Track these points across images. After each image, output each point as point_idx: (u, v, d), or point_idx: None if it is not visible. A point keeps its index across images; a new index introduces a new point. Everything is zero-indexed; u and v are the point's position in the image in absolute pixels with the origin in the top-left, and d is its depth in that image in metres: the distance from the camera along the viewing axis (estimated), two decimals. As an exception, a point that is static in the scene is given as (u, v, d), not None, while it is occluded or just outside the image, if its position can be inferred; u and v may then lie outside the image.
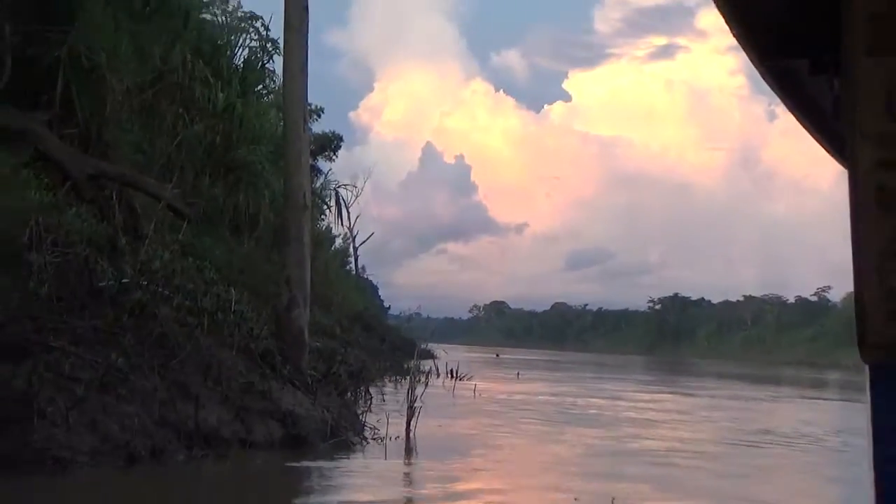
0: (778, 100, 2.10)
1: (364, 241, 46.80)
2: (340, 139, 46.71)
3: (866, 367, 1.21)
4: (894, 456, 1.23)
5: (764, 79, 2.02)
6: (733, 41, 1.82)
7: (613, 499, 14.25)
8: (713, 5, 1.67)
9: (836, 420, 32.51)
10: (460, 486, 15.75)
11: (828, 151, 2.30)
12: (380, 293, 59.57)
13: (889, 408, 1.21)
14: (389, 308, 60.01)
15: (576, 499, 14.39)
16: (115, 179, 19.81)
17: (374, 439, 19.24)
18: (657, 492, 15.50)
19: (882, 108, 1.15)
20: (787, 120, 2.45)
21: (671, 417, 32.08)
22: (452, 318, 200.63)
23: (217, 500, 13.11)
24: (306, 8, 21.40)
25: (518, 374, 50.50)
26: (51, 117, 19.85)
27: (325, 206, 38.99)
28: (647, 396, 41.74)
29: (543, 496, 15.76)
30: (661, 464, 19.73)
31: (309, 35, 21.84)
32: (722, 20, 1.71)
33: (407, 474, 16.47)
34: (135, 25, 23.73)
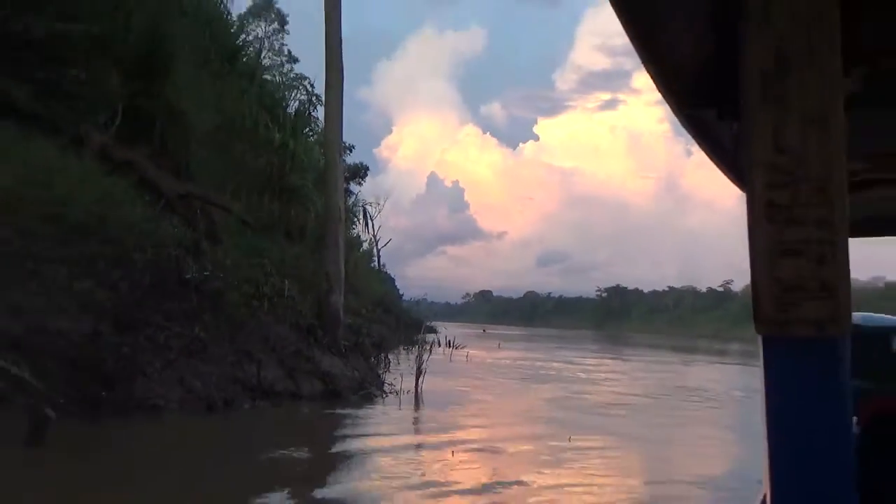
0: (692, 140, 2.07)
1: (384, 245, 46.85)
2: (367, 169, 46.82)
3: (759, 339, 1.18)
4: (782, 409, 1.19)
5: (682, 124, 1.98)
6: (659, 96, 1.78)
7: (570, 437, 14.82)
8: (644, 70, 1.65)
9: (734, 379, 32.03)
10: (456, 429, 15.95)
11: (730, 179, 2.31)
12: (396, 283, 59.47)
13: (776, 370, 1.18)
14: (403, 295, 59.71)
15: (570, 438, 14.68)
16: (198, 198, 19.86)
17: (391, 393, 19.46)
18: (600, 434, 15.66)
19: (770, 144, 1.12)
20: (699, 155, 2.25)
21: (610, 377, 32.06)
22: (449, 303, 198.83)
23: (274, 438, 13.39)
24: (341, 71, 21.52)
25: (499, 344, 50.12)
26: (151, 151, 19.98)
27: (356, 219, 39.10)
28: (593, 361, 41.64)
29: (516, 434, 15.82)
30: (602, 413, 19.90)
31: (343, 91, 22.10)
32: (650, 80, 1.70)
33: (416, 419, 16.61)
34: (214, 82, 23.98)
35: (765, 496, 1.26)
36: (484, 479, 11.41)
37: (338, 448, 13.49)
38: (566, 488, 10.82)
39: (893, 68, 1.57)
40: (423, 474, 11.32)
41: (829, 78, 1.12)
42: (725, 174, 2.29)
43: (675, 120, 1.89)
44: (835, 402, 1.17)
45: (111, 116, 19.53)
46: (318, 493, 10.37)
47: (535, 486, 11.06)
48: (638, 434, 16.80)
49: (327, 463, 12.35)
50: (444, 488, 10.84)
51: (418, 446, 13.86)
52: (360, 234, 40.04)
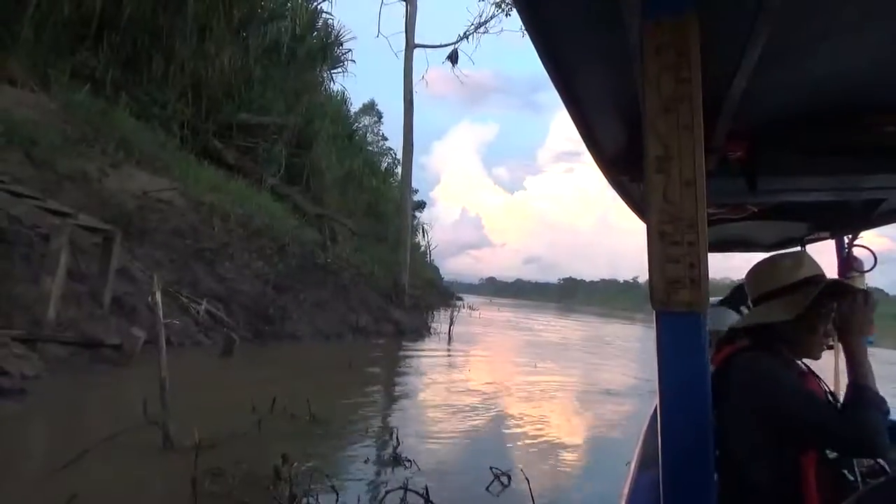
0: (616, 194, 2.21)
1: (433, 248, 46.82)
2: (424, 204, 46.48)
3: (654, 313, 1.17)
4: (667, 358, 1.18)
5: (610, 184, 2.09)
6: (596, 166, 1.91)
7: (536, 364, 14.66)
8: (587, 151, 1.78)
9: (631, 333, 32.01)
10: (472, 353, 15.81)
11: (637, 216, 2.41)
12: (440, 271, 59.53)
13: (664, 333, 1.17)
14: (444, 278, 59.66)
15: (535, 365, 14.28)
16: (327, 217, 19.88)
17: (434, 334, 19.26)
18: (555, 360, 15.30)
19: (661, 198, 1.12)
20: (621, 201, 2.42)
21: (561, 329, 31.49)
22: (471, 283, 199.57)
23: (365, 356, 13.40)
24: (412, 146, 21.33)
25: (498, 308, 49.78)
26: (300, 189, 20.11)
27: (418, 233, 39.04)
28: (553, 321, 41.42)
29: (508, 358, 15.75)
30: (557, 348, 19.62)
31: (413, 157, 21.91)
32: (591, 158, 1.84)
33: (449, 349, 16.23)
34: (339, 151, 24.07)
35: (655, 409, 1.35)
36: (486, 380, 11.24)
37: (401, 363, 13.39)
38: (535, 383, 10.66)
39: (735, 157, 1.68)
40: (451, 381, 11.19)
41: (694, 161, 1.13)
42: (635, 213, 2.42)
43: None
44: (699, 354, 1.18)
45: (279, 168, 19.59)
46: (393, 386, 10.27)
47: (517, 381, 10.92)
48: (574, 358, 16.54)
49: (397, 370, 12.26)
50: (463, 384, 10.70)
51: (449, 365, 13.70)
52: (420, 241, 39.69)
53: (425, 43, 22.20)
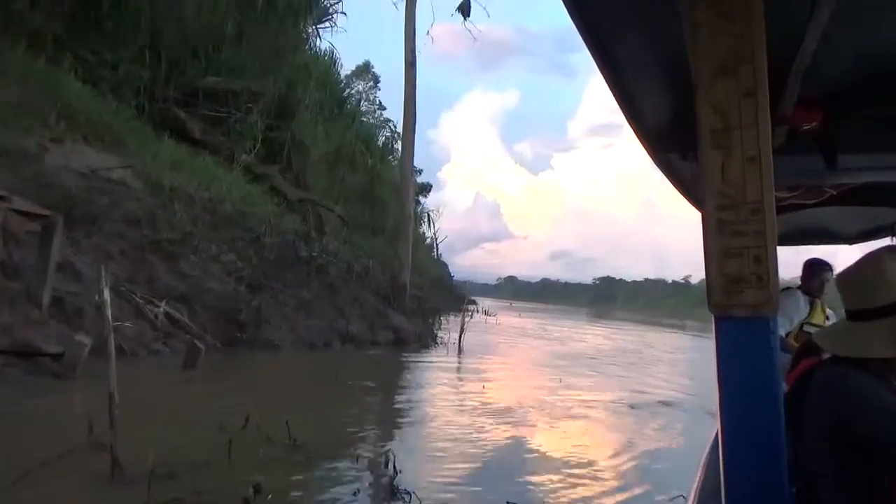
0: (663, 175, 2.21)
1: (441, 241, 46.62)
2: (431, 186, 46.62)
3: (712, 318, 1.18)
4: (729, 371, 1.19)
5: (655, 164, 2.09)
6: (639, 143, 1.88)
7: (561, 379, 14.59)
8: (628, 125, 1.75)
9: (684, 344, 31.96)
10: (489, 369, 15.65)
11: (689, 202, 2.38)
12: (449, 268, 59.43)
13: (724, 341, 1.18)
14: (453, 276, 59.63)
15: (560, 380, 14.24)
16: (311, 202, 19.93)
17: (441, 344, 19.17)
18: (587, 373, 15.33)
19: (719, 178, 1.13)
20: (669, 184, 2.39)
21: (597, 338, 31.35)
22: (487, 284, 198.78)
23: (357, 369, 13.46)
24: (414, 117, 21.28)
25: (519, 314, 49.53)
26: (279, 168, 20.20)
27: (422, 222, 39.05)
28: (586, 328, 41.45)
29: (529, 372, 15.73)
30: (589, 360, 19.50)
31: (415, 131, 21.79)
32: (632, 133, 1.81)
33: (459, 361, 16.24)
34: (326, 122, 24.20)
35: (717, 433, 1.24)
36: (501, 398, 11.21)
37: (400, 377, 13.40)
38: (561, 401, 10.64)
39: (808, 128, 1.66)
40: (461, 398, 11.19)
41: (758, 133, 1.13)
42: (686, 199, 2.40)
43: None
44: (768, 366, 1.17)
45: (254, 143, 19.62)
46: (390, 405, 10.28)
47: (539, 400, 10.90)
48: (617, 372, 16.48)
49: (395, 385, 12.24)
50: (474, 404, 10.67)
51: (459, 379, 13.72)
52: (425, 232, 39.79)
53: (430, -9, 22.20)
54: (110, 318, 5.53)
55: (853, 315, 1.67)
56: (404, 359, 15.85)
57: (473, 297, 50.23)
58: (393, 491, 5.62)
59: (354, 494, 5.62)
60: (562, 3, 1.20)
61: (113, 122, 14.58)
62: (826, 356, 1.70)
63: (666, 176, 2.27)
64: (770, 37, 1.14)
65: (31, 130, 12.02)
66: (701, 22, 1.13)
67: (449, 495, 5.90)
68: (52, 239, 9.32)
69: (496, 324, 32.81)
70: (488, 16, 39.89)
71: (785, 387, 1.65)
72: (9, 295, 8.98)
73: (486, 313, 37.31)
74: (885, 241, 3.22)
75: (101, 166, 12.74)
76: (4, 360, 7.97)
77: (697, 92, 1.15)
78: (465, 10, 21.58)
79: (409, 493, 5.54)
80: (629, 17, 1.32)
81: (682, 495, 5.58)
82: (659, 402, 12.35)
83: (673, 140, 1.79)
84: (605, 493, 6.52)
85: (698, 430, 9.39)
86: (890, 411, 1.48)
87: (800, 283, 5.09)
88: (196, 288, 12.84)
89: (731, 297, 1.14)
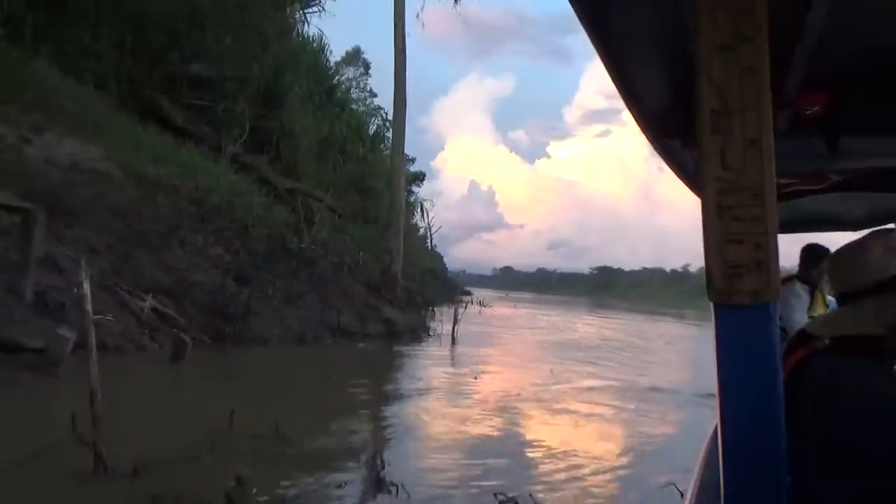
0: (663, 161, 2.17)
1: (435, 231, 46.62)
2: (424, 175, 46.11)
3: (711, 305, 1.17)
4: (729, 358, 1.17)
5: (655, 150, 2.05)
6: (639, 129, 1.84)
7: (553, 370, 14.70)
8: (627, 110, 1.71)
9: (683, 333, 31.99)
10: (483, 360, 15.68)
11: (689, 188, 2.35)
12: (444, 259, 59.30)
13: (724, 328, 1.17)
14: (448, 267, 59.66)
15: (552, 371, 14.32)
16: (300, 192, 19.87)
17: (434, 336, 19.25)
18: (581, 363, 15.34)
19: (719, 163, 1.12)
20: (668, 172, 2.33)
21: (593, 328, 31.39)
22: (482, 275, 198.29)
23: (349, 364, 13.52)
24: (405, 105, 21.35)
25: (515, 305, 49.67)
26: (268, 158, 20.15)
27: (415, 212, 39.02)
28: (583, 318, 41.41)
29: (522, 362, 15.79)
30: (585, 348, 19.73)
31: (407, 117, 21.85)
32: (632, 118, 1.77)
33: (451, 353, 16.27)
34: (315, 110, 24.11)
35: (716, 426, 1.24)
36: (493, 389, 11.32)
37: (391, 370, 13.46)
38: (552, 392, 10.73)
39: (812, 112, 1.62)
40: (452, 390, 11.29)
41: (759, 115, 1.11)
42: (686, 185, 2.37)
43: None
44: (769, 355, 1.17)
45: (241, 132, 19.56)
46: (380, 398, 10.30)
47: (530, 390, 10.98)
48: (615, 360, 16.60)
49: (386, 378, 12.29)
50: (464, 396, 10.76)
51: (451, 371, 13.79)
52: (419, 222, 39.86)
53: (420, -27, 22.19)
54: (91, 312, 5.58)
55: (841, 299, 1.73)
56: (396, 351, 15.96)
57: (469, 288, 50.54)
58: (380, 483, 5.69)
59: (340, 487, 5.70)
60: None
61: (94, 113, 14.53)
62: (821, 344, 1.72)
63: (666, 162, 2.26)
64: (773, 14, 1.12)
65: (10, 122, 12.00)
66: None
67: (437, 487, 5.96)
68: (32, 232, 9.36)
69: (491, 315, 32.93)
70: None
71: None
72: (-11, 290, 9.03)
73: (481, 304, 37.43)
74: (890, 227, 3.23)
75: (82, 157, 12.73)
76: (-14, 356, 8.03)
77: (697, 71, 1.13)
78: (455, -8, 21.64)
79: (395, 485, 5.61)
80: None
81: (672, 483, 5.69)
82: (651, 388, 12.57)
83: (673, 125, 1.77)
84: (594, 481, 6.61)
85: (693, 417, 9.52)
86: (872, 412, 1.50)
87: (797, 271, 5.04)
88: (183, 281, 12.88)
89: (731, 284, 1.13)
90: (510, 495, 5.39)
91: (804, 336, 1.80)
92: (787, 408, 1.46)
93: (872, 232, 1.94)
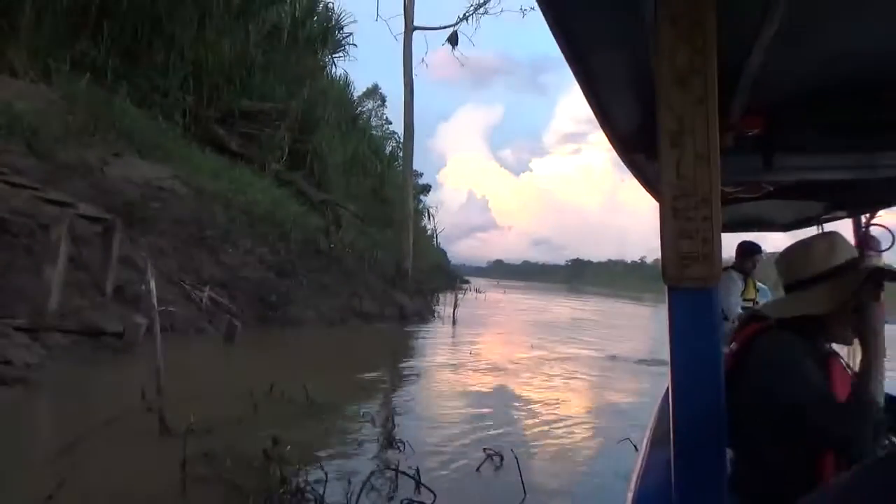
0: (627, 172, 2.17)
1: (440, 232, 46.24)
2: (430, 187, 46.22)
3: (665, 289, 1.17)
4: (679, 332, 1.17)
5: (624, 163, 2.07)
6: (610, 145, 1.88)
7: (536, 342, 14.62)
8: (601, 131, 1.76)
9: (640, 312, 31.98)
10: (479, 336, 15.77)
11: (650, 194, 2.36)
12: (447, 255, 58.95)
13: (676, 308, 1.17)
14: (451, 261, 59.31)
15: (535, 342, 14.45)
16: (330, 202, 19.82)
17: (438, 318, 19.32)
18: (562, 338, 15.21)
19: (675, 173, 1.12)
20: (631, 181, 2.32)
21: (567, 309, 31.26)
22: (479, 266, 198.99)
23: (369, 341, 13.56)
24: (412, 130, 21.29)
25: (504, 291, 49.63)
26: (303, 174, 20.04)
27: (424, 217, 38.88)
28: (559, 301, 41.40)
29: (511, 337, 15.62)
30: (563, 327, 19.78)
31: (414, 140, 21.75)
32: (605, 138, 1.81)
33: (453, 331, 16.30)
34: (342, 136, 23.98)
35: (668, 387, 1.24)
36: (486, 359, 11.22)
37: (403, 346, 13.45)
38: (537, 361, 10.71)
39: (752, 134, 1.65)
40: (452, 359, 11.32)
41: (708, 135, 1.12)
42: (648, 191, 2.36)
43: (615, 159, 1.98)
44: (711, 330, 1.17)
45: (281, 154, 19.50)
46: (393, 369, 10.28)
47: (518, 360, 10.93)
48: (589, 335, 16.23)
49: (398, 352, 12.25)
50: (463, 365, 10.72)
51: (452, 345, 13.79)
52: (427, 225, 39.57)
53: (425, 25, 22.13)
54: (155, 301, 5.58)
55: (788, 287, 1.76)
56: (407, 331, 15.92)
57: (467, 278, 50.35)
58: (390, 441, 5.68)
59: (359, 445, 5.69)
60: (544, 20, 1.19)
61: (163, 140, 14.54)
62: (767, 323, 1.73)
63: (633, 174, 2.26)
64: (722, 55, 1.13)
65: (95, 148, 12.02)
66: (663, 39, 1.12)
67: (438, 443, 5.93)
68: (112, 238, 9.37)
69: (485, 299, 32.86)
70: (473, 45, 40.07)
71: (734, 346, 1.75)
72: (79, 284, 9.04)
73: (477, 291, 37.36)
74: (813, 230, 3.20)
75: (153, 177, 12.73)
76: (75, 339, 8.04)
77: (658, 98, 1.14)
78: (453, 41, 21.64)
79: (402, 441, 5.60)
80: (604, 33, 1.32)
81: (628, 438, 5.66)
82: (616, 356, 12.58)
83: (640, 142, 1.79)
84: (559, 432, 6.60)
85: (648, 382, 9.50)
86: (807, 383, 1.51)
87: (733, 263, 5.07)
88: (234, 276, 12.87)
89: (682, 272, 1.14)
90: (497, 450, 5.37)
91: (755, 316, 1.82)
92: (737, 372, 1.58)
93: (819, 234, 1.97)
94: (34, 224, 8.95)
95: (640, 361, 11.98)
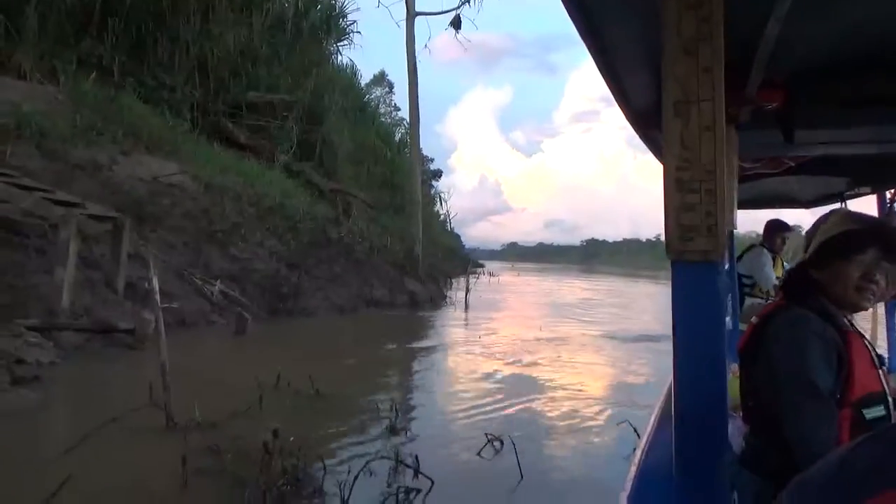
0: (641, 149, 2.13)
1: (453, 216, 46.20)
2: (441, 172, 46.12)
3: (670, 262, 1.16)
4: (683, 307, 1.16)
5: (640, 138, 2.06)
6: (624, 122, 1.87)
7: (547, 324, 14.58)
8: (615, 106, 1.74)
9: (655, 290, 31.67)
10: (490, 319, 15.81)
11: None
12: (461, 239, 58.83)
13: (679, 282, 1.15)
14: (465, 245, 59.21)
15: (548, 325, 14.46)
16: (340, 191, 19.85)
17: (450, 303, 19.37)
18: (573, 317, 15.30)
19: (678, 144, 1.10)
20: (642, 160, 2.21)
21: (580, 289, 31.07)
22: (493, 250, 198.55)
23: (380, 328, 13.62)
24: (418, 116, 21.37)
25: (518, 273, 49.59)
26: (313, 164, 20.03)
27: (436, 201, 38.84)
28: (575, 282, 41.28)
29: (524, 320, 15.65)
30: (575, 306, 19.93)
31: (424, 125, 21.92)
32: (621, 114, 1.80)
33: (465, 316, 16.47)
34: (350, 124, 24.01)
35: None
36: (497, 345, 11.23)
37: (413, 333, 13.50)
38: (547, 344, 10.73)
39: (770, 108, 1.61)
40: (464, 343, 11.39)
41: (714, 105, 1.09)
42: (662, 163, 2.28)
43: (628, 137, 2.02)
44: (714, 305, 1.15)
45: (290, 145, 19.51)
46: (401, 357, 10.35)
47: (528, 345, 10.94)
48: (600, 315, 16.27)
49: (407, 340, 12.30)
50: (473, 352, 10.72)
51: (463, 330, 13.83)
52: (439, 210, 39.55)
53: (426, 10, 22.04)
54: (158, 299, 5.66)
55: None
56: (418, 317, 15.94)
57: (481, 261, 50.29)
58: (393, 428, 5.73)
59: (363, 432, 5.75)
60: None
61: (171, 135, 14.61)
62: (780, 300, 1.70)
63: (649, 149, 2.23)
64: (735, 25, 1.10)
65: (103, 147, 12.14)
66: (669, 8, 1.10)
67: (441, 429, 5.99)
68: (122, 236, 9.50)
69: (498, 283, 32.89)
70: (476, 28, 39.69)
71: (755, 320, 1.72)
72: (91, 282, 9.20)
73: (490, 274, 37.34)
74: (837, 206, 3.19)
75: (162, 173, 12.85)
76: (88, 336, 8.19)
77: (664, 68, 1.12)
78: (456, 24, 21.45)
79: (405, 429, 5.66)
80: (618, 7, 1.30)
81: (627, 421, 5.66)
82: (633, 336, 12.56)
83: (654, 117, 1.71)
84: (566, 411, 6.62)
85: (657, 360, 9.47)
86: (797, 361, 1.49)
87: (761, 240, 5.02)
88: (245, 268, 12.99)
89: (685, 244, 1.12)
90: (497, 435, 5.40)
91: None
92: (753, 347, 1.58)
93: (841, 211, 1.93)
94: (45, 225, 9.09)
95: (650, 339, 11.93)
